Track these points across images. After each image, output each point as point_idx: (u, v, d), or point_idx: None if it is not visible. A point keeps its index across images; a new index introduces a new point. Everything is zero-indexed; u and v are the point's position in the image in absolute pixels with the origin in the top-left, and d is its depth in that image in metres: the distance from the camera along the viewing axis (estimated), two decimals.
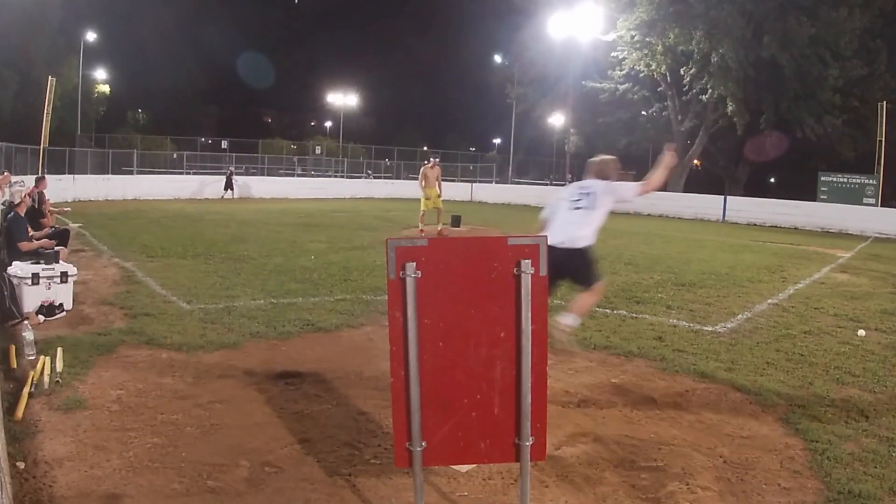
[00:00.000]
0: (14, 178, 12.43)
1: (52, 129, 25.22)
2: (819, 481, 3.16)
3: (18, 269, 5.95)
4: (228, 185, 27.17)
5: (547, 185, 36.97)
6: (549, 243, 2.57)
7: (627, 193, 4.76)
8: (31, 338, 4.69)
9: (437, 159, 14.54)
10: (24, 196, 7.54)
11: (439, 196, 13.90)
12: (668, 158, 4.77)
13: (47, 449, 3.23)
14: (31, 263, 6.10)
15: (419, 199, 14.07)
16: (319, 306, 6.54)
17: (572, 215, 4.54)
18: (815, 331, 6.30)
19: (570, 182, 29.05)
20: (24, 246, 6.78)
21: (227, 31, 53.26)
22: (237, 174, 28.89)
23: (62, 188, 21.66)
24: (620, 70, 30.29)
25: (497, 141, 55.39)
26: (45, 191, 10.20)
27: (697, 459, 3.37)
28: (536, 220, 4.95)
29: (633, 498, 2.98)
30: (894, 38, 26.97)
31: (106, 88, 43.94)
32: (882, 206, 22.32)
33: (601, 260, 10.71)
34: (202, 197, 26.28)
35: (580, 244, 4.43)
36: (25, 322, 5.28)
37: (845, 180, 24.55)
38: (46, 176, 13.26)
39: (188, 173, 32.21)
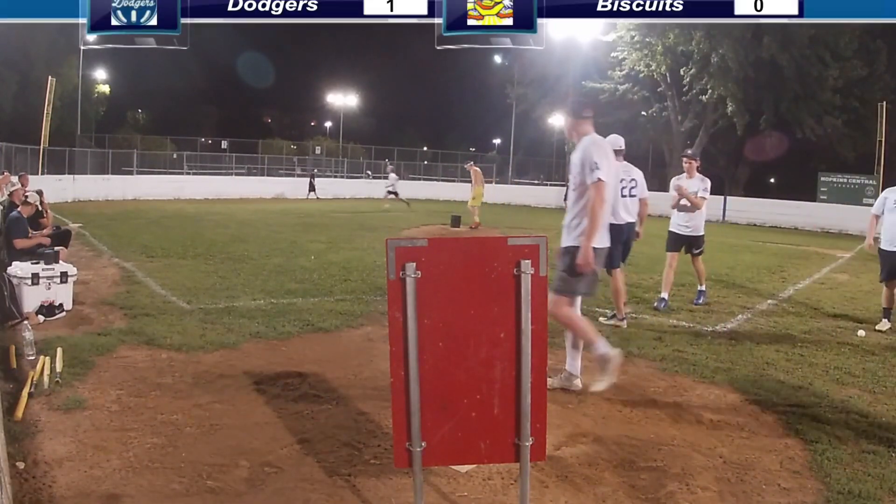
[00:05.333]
0: (13, 178, 12.43)
1: (52, 129, 25.23)
2: (819, 481, 3.16)
3: (18, 269, 5.94)
4: (311, 187, 27.95)
5: (545, 185, 36.95)
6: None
7: None
8: (31, 338, 4.69)
9: (472, 162, 18.34)
10: (26, 196, 7.51)
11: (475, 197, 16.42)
12: None
13: (47, 449, 3.23)
14: (32, 263, 6.08)
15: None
16: (319, 306, 6.54)
17: None
18: (815, 331, 6.30)
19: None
20: (20, 243, 6.72)
21: (227, 31, 53.24)
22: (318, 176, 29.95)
23: (62, 188, 21.69)
24: (620, 70, 30.29)
25: (497, 141, 55.40)
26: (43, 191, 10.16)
27: (697, 459, 3.37)
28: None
29: (633, 498, 2.98)
30: (894, 38, 26.95)
31: (106, 88, 43.92)
32: None
33: None
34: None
35: None
36: (25, 322, 5.28)
37: (845, 181, 24.56)
38: (28, 175, 13.19)
39: (188, 173, 32.24)
